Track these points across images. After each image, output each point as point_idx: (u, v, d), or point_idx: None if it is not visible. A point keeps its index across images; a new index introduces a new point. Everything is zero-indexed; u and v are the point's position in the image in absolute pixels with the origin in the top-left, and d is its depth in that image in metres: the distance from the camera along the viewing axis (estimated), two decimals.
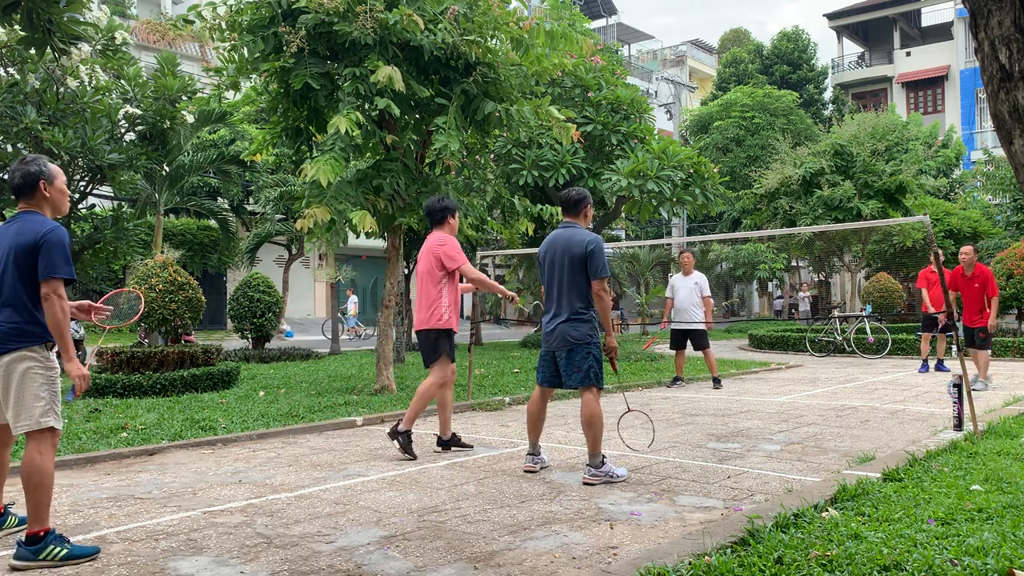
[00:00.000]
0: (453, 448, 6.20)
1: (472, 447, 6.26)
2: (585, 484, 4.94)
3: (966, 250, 10.07)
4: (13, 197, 3.80)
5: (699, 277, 10.84)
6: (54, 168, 3.85)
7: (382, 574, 3.40)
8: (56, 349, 3.81)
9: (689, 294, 10.71)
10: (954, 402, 6.51)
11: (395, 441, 5.86)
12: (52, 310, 3.63)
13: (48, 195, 3.80)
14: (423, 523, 4.16)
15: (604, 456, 5.06)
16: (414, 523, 4.16)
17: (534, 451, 5.43)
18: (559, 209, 11.43)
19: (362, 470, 5.53)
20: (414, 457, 5.85)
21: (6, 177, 11.54)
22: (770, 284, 35.30)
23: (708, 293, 10.84)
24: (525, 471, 5.36)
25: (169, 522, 4.23)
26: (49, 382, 3.69)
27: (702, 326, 10.72)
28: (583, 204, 5.31)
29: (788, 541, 3.44)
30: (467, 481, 5.14)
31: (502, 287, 6.35)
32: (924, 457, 5.24)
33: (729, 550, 3.38)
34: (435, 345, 5.97)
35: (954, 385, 6.52)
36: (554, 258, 5.19)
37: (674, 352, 11.04)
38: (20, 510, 4.30)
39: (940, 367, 12.51)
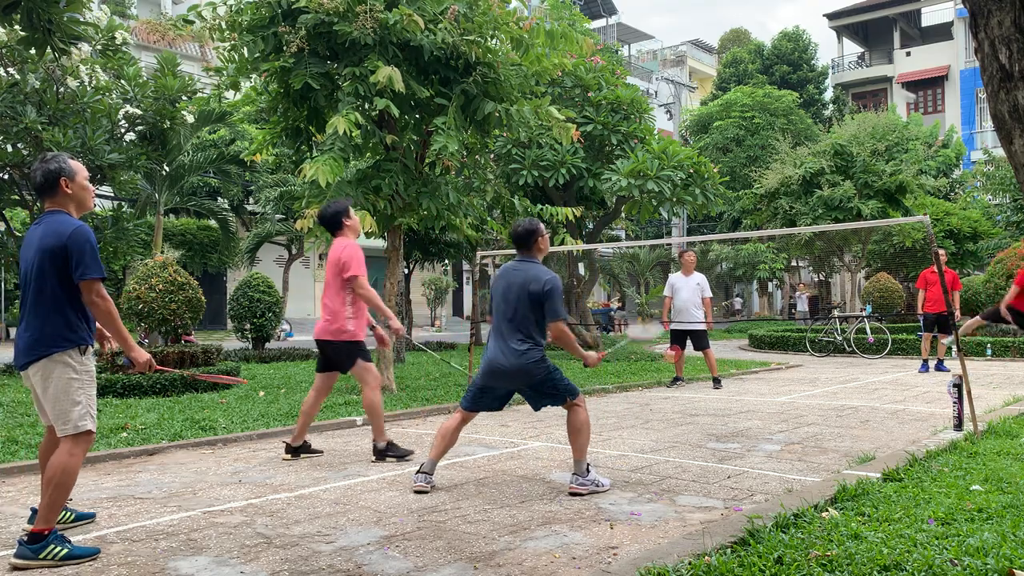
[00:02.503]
0: (303, 455, 5.89)
1: (412, 453, 5.83)
2: (572, 495, 4.71)
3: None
4: (35, 195, 3.80)
5: (700, 278, 10.81)
6: (75, 164, 3.76)
7: (382, 574, 3.40)
8: (91, 351, 3.78)
9: (691, 295, 10.67)
10: (954, 402, 6.51)
11: (383, 460, 5.68)
12: (98, 311, 3.66)
13: (71, 192, 3.72)
14: (423, 523, 4.16)
15: (589, 464, 4.86)
16: (414, 523, 4.16)
17: (429, 469, 4.84)
18: (559, 209, 11.45)
19: (362, 470, 5.53)
20: (411, 452, 5.78)
21: (6, 177, 11.59)
22: (770, 284, 35.30)
23: (709, 294, 10.82)
24: (415, 491, 4.78)
25: (169, 522, 4.23)
26: (85, 386, 3.66)
27: (703, 326, 10.71)
28: (534, 236, 4.89)
29: (788, 541, 3.44)
30: (467, 481, 5.14)
31: (391, 315, 5.94)
32: (924, 457, 5.24)
33: (729, 550, 3.38)
34: (348, 354, 5.73)
35: (954, 385, 6.52)
36: (509, 292, 4.81)
37: (673, 352, 11.03)
38: (77, 506, 4.37)
39: (940, 367, 12.51)
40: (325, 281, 5.90)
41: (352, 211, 6.04)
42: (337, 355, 5.81)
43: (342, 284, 5.74)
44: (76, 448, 3.63)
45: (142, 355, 3.89)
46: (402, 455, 5.77)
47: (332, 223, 5.93)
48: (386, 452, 5.74)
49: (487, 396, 4.97)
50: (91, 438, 3.70)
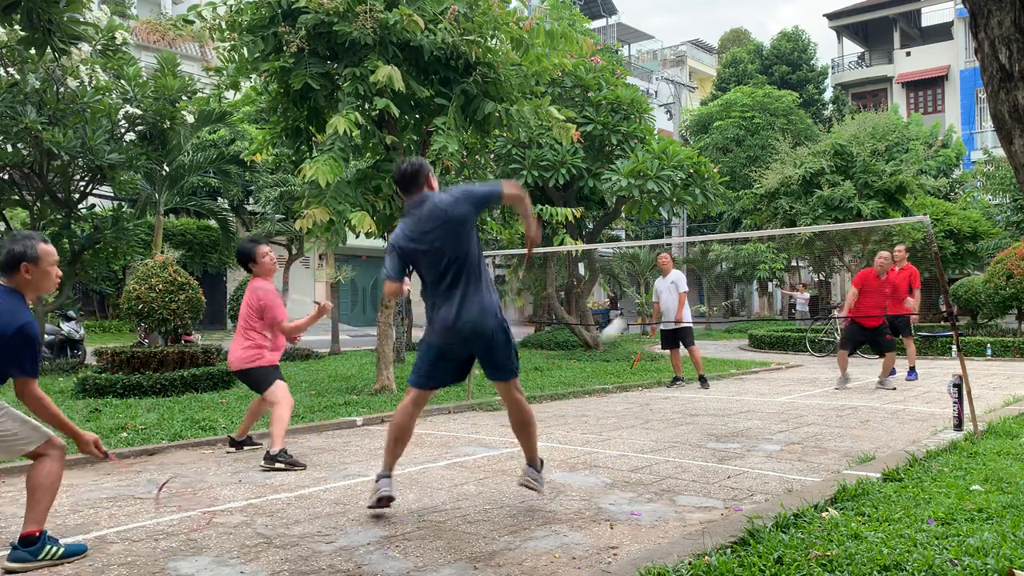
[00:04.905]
0: (245, 448, 6.28)
1: (260, 445, 6.28)
2: (525, 486, 4.44)
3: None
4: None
5: (675, 275, 10.73)
6: (43, 248, 3.60)
7: (382, 574, 3.40)
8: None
9: (670, 294, 10.67)
10: (954, 402, 6.51)
11: (274, 466, 5.50)
12: (37, 409, 3.62)
13: (29, 278, 3.57)
14: (423, 523, 4.16)
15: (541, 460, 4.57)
16: (414, 523, 4.16)
17: (387, 472, 4.25)
18: (559, 209, 11.45)
19: (362, 470, 5.53)
20: (303, 466, 5.58)
21: (6, 178, 11.58)
22: (770, 284, 35.28)
23: (684, 288, 10.67)
24: (371, 506, 4.21)
25: (169, 522, 4.23)
26: (8, 417, 3.62)
27: (688, 324, 10.65)
28: (423, 173, 4.23)
29: (788, 541, 3.44)
30: (467, 481, 5.14)
31: (312, 319, 5.97)
32: (924, 457, 5.24)
33: (729, 550, 3.38)
34: (265, 377, 5.96)
35: (954, 385, 6.53)
36: (433, 237, 4.15)
37: (668, 352, 11.01)
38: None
39: (910, 374, 11.46)
40: (245, 315, 6.03)
41: (262, 249, 6.20)
42: (254, 380, 6.02)
43: (265, 323, 5.99)
44: (50, 457, 3.68)
45: (86, 438, 3.80)
46: (293, 464, 5.58)
47: (244, 259, 6.15)
48: (277, 458, 5.57)
49: (442, 361, 4.28)
50: (52, 440, 3.70)
